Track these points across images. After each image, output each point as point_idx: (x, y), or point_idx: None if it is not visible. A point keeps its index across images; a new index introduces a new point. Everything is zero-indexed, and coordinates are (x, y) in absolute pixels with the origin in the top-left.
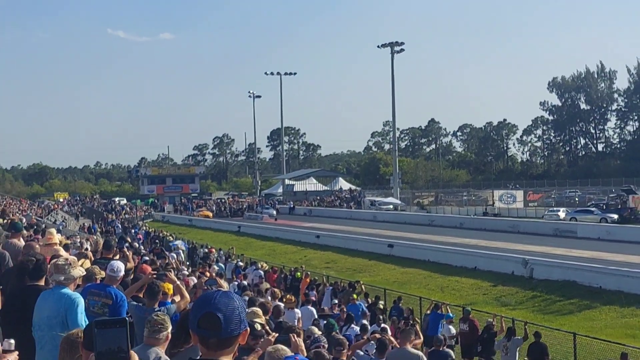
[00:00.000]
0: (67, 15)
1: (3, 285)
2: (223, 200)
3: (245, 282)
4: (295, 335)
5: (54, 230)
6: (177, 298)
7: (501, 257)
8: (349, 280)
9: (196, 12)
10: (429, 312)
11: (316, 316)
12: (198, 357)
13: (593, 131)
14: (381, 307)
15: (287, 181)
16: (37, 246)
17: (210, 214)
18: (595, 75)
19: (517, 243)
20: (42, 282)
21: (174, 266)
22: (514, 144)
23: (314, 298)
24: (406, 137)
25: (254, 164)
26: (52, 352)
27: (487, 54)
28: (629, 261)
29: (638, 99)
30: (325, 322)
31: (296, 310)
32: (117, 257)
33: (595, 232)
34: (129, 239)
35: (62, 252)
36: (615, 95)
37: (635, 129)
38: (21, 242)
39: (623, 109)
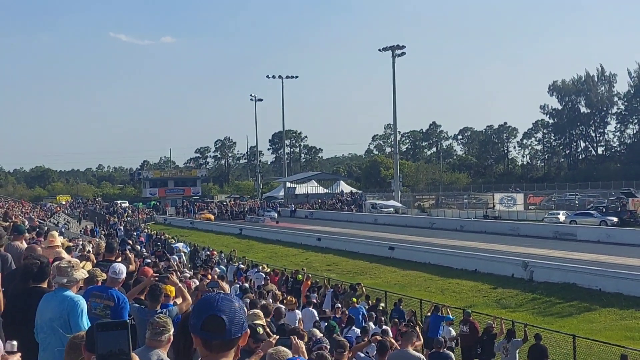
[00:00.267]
0: (69, 18)
1: (6, 288)
2: (225, 203)
3: (246, 285)
4: (296, 338)
5: (56, 233)
6: (179, 300)
7: (501, 259)
8: (350, 282)
9: (198, 15)
10: (429, 314)
11: (317, 318)
12: None
13: (593, 134)
14: (381, 308)
15: (288, 184)
16: (40, 249)
17: (212, 217)
18: (596, 79)
19: (517, 246)
20: (45, 285)
21: (176, 268)
22: (514, 147)
23: (315, 300)
24: (407, 141)
25: (255, 167)
26: (55, 354)
27: (487, 58)
28: (629, 264)
29: (638, 102)
30: (326, 324)
31: (297, 311)
32: (119, 259)
33: (595, 235)
34: (130, 242)
35: (64, 254)
36: (615, 99)
37: (635, 132)
38: (24, 245)
39: (623, 113)
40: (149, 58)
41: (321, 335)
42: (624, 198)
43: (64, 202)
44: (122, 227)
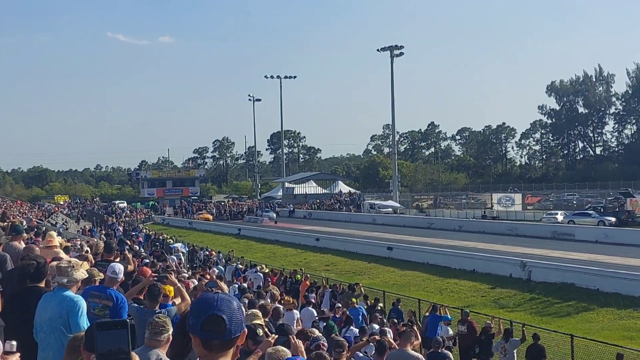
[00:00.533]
0: (67, 19)
1: (4, 288)
2: (223, 203)
3: (245, 285)
4: (294, 337)
5: (54, 233)
6: (178, 300)
7: (499, 259)
8: (348, 282)
9: (196, 15)
10: (427, 314)
11: (316, 318)
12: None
13: (591, 135)
14: (380, 308)
15: (287, 184)
16: (38, 249)
17: (211, 217)
18: (594, 79)
19: (516, 246)
20: (42, 284)
21: (174, 269)
22: (512, 148)
23: (313, 300)
24: (405, 141)
25: (254, 167)
26: (54, 354)
27: (486, 58)
28: (627, 264)
29: (636, 102)
30: (324, 324)
31: (294, 311)
32: (118, 259)
33: (593, 235)
34: (129, 242)
35: (62, 254)
36: (613, 99)
37: (633, 132)
38: (22, 245)
39: (621, 113)
40: (147, 58)
41: (320, 334)
42: (622, 198)
43: (62, 202)
44: (120, 228)
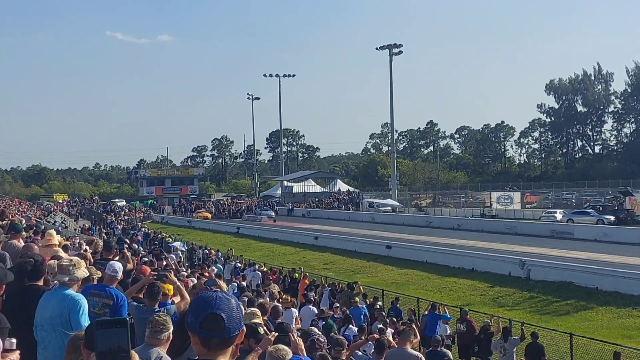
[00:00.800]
0: (66, 17)
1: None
2: (222, 202)
3: (244, 283)
4: (294, 335)
5: (53, 232)
6: (177, 299)
7: (498, 258)
8: (347, 281)
9: (195, 14)
10: (426, 312)
11: (315, 317)
12: (196, 358)
13: (590, 133)
14: (378, 307)
15: (285, 183)
16: (36, 247)
17: (209, 216)
18: (592, 78)
19: (515, 244)
20: (41, 282)
21: (173, 267)
22: (511, 146)
23: (313, 299)
24: (404, 139)
25: (252, 165)
26: (55, 352)
27: (485, 57)
28: (626, 262)
29: (635, 101)
30: (323, 322)
31: (293, 310)
32: (117, 258)
33: (592, 234)
34: (128, 240)
35: (62, 253)
36: (612, 98)
37: (632, 131)
38: (21, 243)
39: (620, 111)
40: (146, 57)
41: (319, 333)
42: (621, 197)
43: (60, 201)
44: (119, 226)
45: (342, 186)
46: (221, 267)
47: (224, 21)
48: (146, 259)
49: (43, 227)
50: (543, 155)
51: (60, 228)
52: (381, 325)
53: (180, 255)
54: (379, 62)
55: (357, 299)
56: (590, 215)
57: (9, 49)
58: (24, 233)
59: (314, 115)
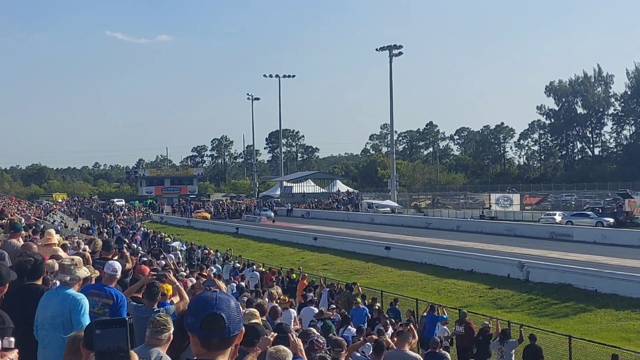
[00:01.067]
0: (65, 17)
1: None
2: (221, 202)
3: (243, 284)
4: (293, 335)
5: (52, 231)
6: (176, 299)
7: (497, 260)
8: (346, 282)
9: (194, 14)
10: (425, 314)
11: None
12: (195, 358)
13: (589, 135)
14: (377, 308)
15: (285, 183)
16: (35, 246)
17: (209, 216)
18: (592, 80)
19: (514, 246)
20: (40, 282)
21: (172, 267)
22: (511, 148)
23: (311, 299)
24: (404, 140)
25: (252, 166)
26: (55, 351)
27: (484, 58)
28: (625, 265)
29: (635, 103)
30: (322, 323)
31: (291, 310)
32: (116, 257)
33: (591, 236)
34: (127, 240)
35: (61, 252)
36: (612, 100)
37: (631, 133)
38: (20, 242)
39: (620, 114)
40: (146, 57)
41: (317, 334)
42: (620, 199)
43: (60, 200)
44: (118, 226)
45: (341, 187)
46: (220, 267)
47: (224, 21)
48: (145, 259)
49: (42, 226)
50: (542, 157)
51: (59, 227)
52: (381, 327)
53: (179, 255)
54: (378, 63)
55: (358, 299)
56: (589, 218)
57: (9, 48)
58: (23, 232)
59: (314, 115)
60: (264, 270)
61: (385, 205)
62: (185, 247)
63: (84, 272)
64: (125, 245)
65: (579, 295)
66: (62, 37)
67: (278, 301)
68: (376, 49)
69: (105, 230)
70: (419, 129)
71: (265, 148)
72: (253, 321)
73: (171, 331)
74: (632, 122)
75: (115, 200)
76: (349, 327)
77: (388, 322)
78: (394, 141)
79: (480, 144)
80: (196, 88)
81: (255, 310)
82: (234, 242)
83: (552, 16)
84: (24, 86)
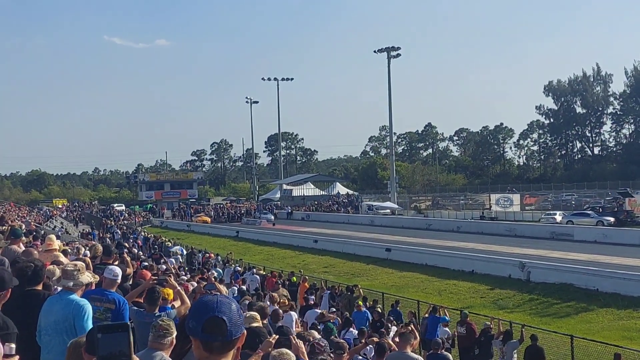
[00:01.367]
0: (64, 22)
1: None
2: (221, 206)
3: (244, 287)
4: (295, 337)
5: (53, 237)
6: (177, 303)
7: (498, 260)
8: (347, 284)
9: (192, 18)
10: (426, 315)
11: (315, 320)
12: None
13: (589, 135)
14: (379, 310)
15: (284, 186)
16: (36, 252)
17: (209, 219)
18: (592, 79)
19: (514, 246)
20: (40, 287)
21: (173, 272)
22: (510, 148)
23: (312, 302)
24: (403, 142)
25: (251, 169)
26: (58, 357)
27: (483, 59)
28: (626, 264)
29: (634, 102)
30: (323, 326)
31: (292, 313)
32: (117, 262)
33: (592, 235)
34: (127, 245)
35: (62, 258)
36: (611, 99)
37: (631, 132)
38: (21, 248)
39: (619, 113)
40: (144, 61)
41: (319, 336)
42: (621, 198)
43: (60, 206)
44: (118, 231)
45: (341, 189)
46: (220, 271)
47: (222, 25)
48: (146, 264)
49: (43, 232)
50: (542, 157)
51: (60, 233)
52: (394, 328)
53: (180, 259)
54: (377, 64)
55: (359, 302)
56: (589, 217)
57: (7, 52)
58: (24, 238)
59: (313, 118)
60: (264, 273)
61: (386, 207)
62: (185, 252)
63: (86, 277)
64: (126, 250)
65: (580, 294)
66: (60, 42)
67: (279, 304)
68: (374, 51)
69: (108, 236)
70: (418, 130)
71: (264, 151)
72: (253, 324)
73: (174, 335)
74: (632, 120)
75: (115, 205)
76: (351, 329)
77: (390, 324)
78: (393, 143)
79: (480, 144)
80: (195, 92)
81: (256, 313)
82: (235, 245)
83: (550, 16)
84: (22, 91)
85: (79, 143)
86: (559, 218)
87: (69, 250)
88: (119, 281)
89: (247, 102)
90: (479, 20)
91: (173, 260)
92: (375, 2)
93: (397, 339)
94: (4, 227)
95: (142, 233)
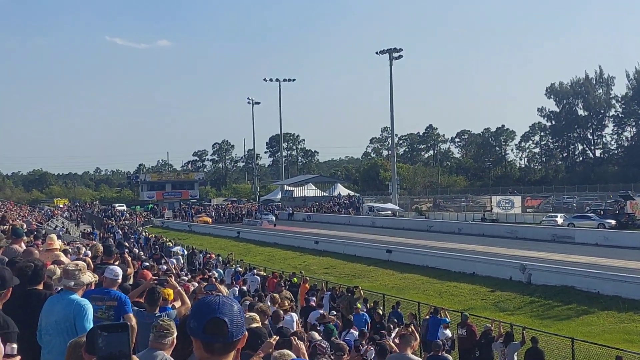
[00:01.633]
0: (65, 22)
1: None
2: (222, 206)
3: (245, 288)
4: (296, 339)
5: (54, 236)
6: (178, 304)
7: (499, 262)
8: (347, 285)
9: (194, 19)
10: (427, 317)
11: (315, 321)
12: None
13: (591, 137)
14: (380, 312)
15: (286, 187)
16: (37, 252)
17: (210, 220)
18: (594, 82)
19: (515, 249)
20: (40, 287)
21: (174, 272)
22: (512, 150)
23: (313, 304)
24: (404, 143)
25: (253, 170)
26: (59, 356)
27: (485, 61)
28: (627, 267)
29: (636, 104)
30: (324, 327)
31: (293, 314)
32: (117, 262)
33: (593, 238)
34: (128, 245)
35: (63, 257)
36: (613, 102)
37: (632, 134)
38: (22, 248)
39: (620, 115)
40: (146, 62)
41: (320, 338)
42: (622, 201)
43: (61, 206)
44: (119, 231)
45: (342, 190)
46: (221, 271)
47: (224, 26)
48: (147, 264)
49: (44, 231)
50: (544, 159)
51: (61, 233)
52: (383, 330)
53: (180, 259)
54: (379, 66)
55: (358, 304)
56: (591, 219)
57: (8, 53)
58: (25, 238)
59: (314, 119)
60: (265, 274)
61: (387, 208)
62: (186, 252)
63: (88, 277)
64: (126, 250)
65: (581, 297)
66: (61, 42)
67: (279, 305)
68: (376, 53)
69: (110, 236)
70: (419, 132)
71: (265, 152)
72: (253, 325)
73: (174, 335)
74: (633, 123)
75: (116, 205)
76: (352, 330)
77: (391, 325)
78: (394, 144)
79: (481, 146)
80: (197, 93)
81: (255, 314)
82: (236, 246)
83: (552, 18)
84: (24, 91)
85: (81, 143)
86: (560, 220)
87: (70, 250)
88: (119, 281)
89: (248, 102)
90: (480, 22)
91: (174, 260)
92: (378, 4)
93: (397, 340)
94: (5, 227)
95: (143, 233)
